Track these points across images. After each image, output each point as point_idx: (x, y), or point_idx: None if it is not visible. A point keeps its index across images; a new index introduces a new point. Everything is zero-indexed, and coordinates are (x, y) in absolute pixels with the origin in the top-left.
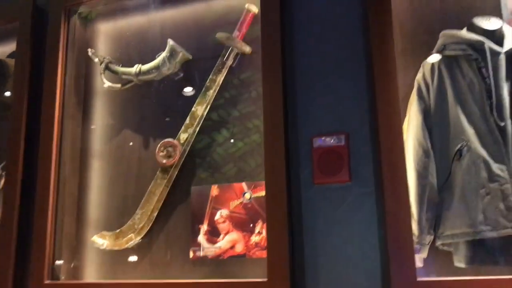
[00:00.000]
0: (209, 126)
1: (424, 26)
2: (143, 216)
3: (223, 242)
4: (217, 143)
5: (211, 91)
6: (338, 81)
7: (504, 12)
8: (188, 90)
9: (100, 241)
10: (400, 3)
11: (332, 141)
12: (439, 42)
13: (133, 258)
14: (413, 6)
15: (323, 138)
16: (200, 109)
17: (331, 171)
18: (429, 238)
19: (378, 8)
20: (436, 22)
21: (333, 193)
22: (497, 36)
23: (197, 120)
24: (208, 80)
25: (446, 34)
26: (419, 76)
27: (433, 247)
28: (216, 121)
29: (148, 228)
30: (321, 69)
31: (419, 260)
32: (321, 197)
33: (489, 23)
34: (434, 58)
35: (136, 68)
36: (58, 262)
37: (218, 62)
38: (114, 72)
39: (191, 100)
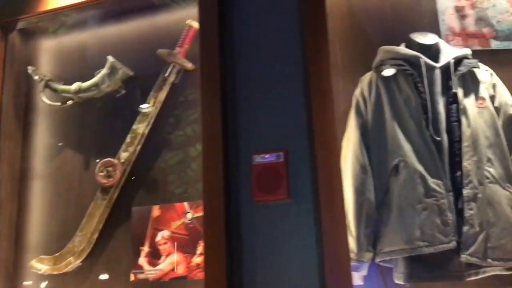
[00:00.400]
0: (152, 144)
1: (364, 43)
2: (83, 238)
3: (165, 264)
4: (159, 162)
5: (153, 109)
6: (278, 98)
7: (442, 27)
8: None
9: (39, 265)
10: (340, 21)
11: (271, 158)
12: (377, 57)
13: (73, 283)
14: (354, 23)
15: (262, 155)
16: (141, 127)
17: (270, 188)
18: (368, 255)
19: (313, 27)
20: (376, 39)
21: (272, 210)
22: (433, 51)
23: (139, 138)
24: (149, 97)
25: (383, 50)
26: (357, 91)
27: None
28: (158, 139)
29: (89, 250)
30: (261, 86)
31: (359, 277)
32: (260, 215)
33: (426, 39)
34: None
35: (76, 86)
36: None
37: (159, 78)
38: (54, 90)
39: (135, 117)
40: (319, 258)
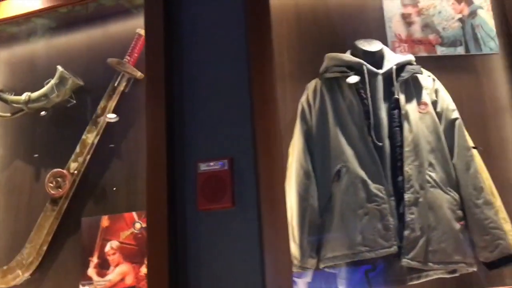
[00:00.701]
0: (101, 154)
1: (312, 50)
2: (32, 250)
3: (113, 275)
4: (109, 172)
5: (102, 118)
6: (224, 106)
7: (389, 34)
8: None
9: None
10: (288, 28)
11: (216, 166)
12: (323, 64)
13: None
14: (302, 30)
15: (207, 163)
16: (90, 137)
17: (215, 196)
18: (311, 262)
19: (258, 36)
20: (325, 46)
21: (217, 219)
22: (377, 58)
23: (88, 148)
24: (99, 107)
25: (329, 57)
26: (303, 98)
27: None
28: (108, 149)
29: (37, 263)
30: (208, 94)
31: (303, 284)
32: (205, 223)
33: (370, 46)
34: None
35: (25, 96)
36: None
37: (109, 88)
38: (4, 101)
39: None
40: (261, 266)
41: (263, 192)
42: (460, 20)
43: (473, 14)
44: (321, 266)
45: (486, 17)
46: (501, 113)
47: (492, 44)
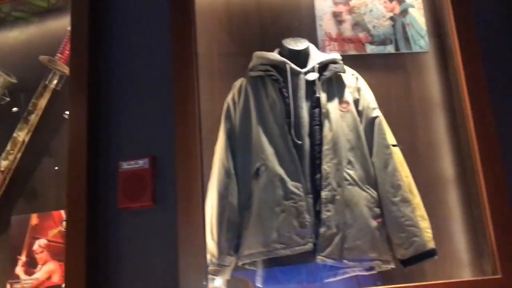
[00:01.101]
0: (32, 152)
1: (242, 48)
2: None
3: (40, 273)
4: (40, 170)
5: (33, 116)
6: (148, 104)
7: (319, 32)
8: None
9: None
10: (218, 27)
11: (137, 164)
12: (251, 63)
13: None
14: (232, 28)
15: (129, 162)
16: (21, 135)
17: (136, 195)
18: (229, 259)
19: (180, 33)
20: (255, 44)
21: (138, 217)
22: (302, 57)
23: (19, 146)
24: (30, 104)
25: (255, 55)
26: (229, 96)
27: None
28: (39, 146)
29: None
30: (132, 92)
31: (222, 283)
32: (126, 222)
33: (296, 44)
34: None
35: None
36: None
37: (40, 85)
38: None
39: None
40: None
41: (179, 191)
42: (391, 18)
43: (404, 12)
44: (240, 263)
45: (417, 16)
46: (431, 112)
47: (422, 42)
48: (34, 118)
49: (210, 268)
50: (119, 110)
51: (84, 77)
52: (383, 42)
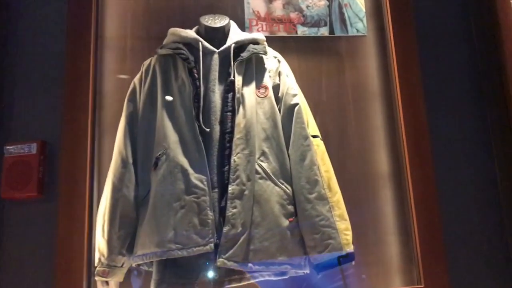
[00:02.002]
0: None
1: (161, 26)
2: None
3: None
4: None
5: None
6: (40, 86)
7: (246, 11)
8: None
9: None
10: (135, 3)
11: (24, 149)
12: (165, 40)
13: None
14: (151, 5)
15: (15, 146)
16: None
17: (21, 184)
18: (121, 259)
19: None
20: (176, 22)
21: (21, 209)
22: (220, 35)
23: None
24: None
25: (169, 32)
26: (137, 77)
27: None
28: None
29: None
30: (21, 74)
31: (114, 284)
32: (9, 214)
33: (214, 22)
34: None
35: None
36: None
37: None
38: None
39: None
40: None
41: (62, 182)
42: None
43: None
44: (133, 264)
45: None
46: (366, 101)
47: (359, 25)
48: None
49: (98, 268)
50: (10, 90)
51: None
52: (316, 24)
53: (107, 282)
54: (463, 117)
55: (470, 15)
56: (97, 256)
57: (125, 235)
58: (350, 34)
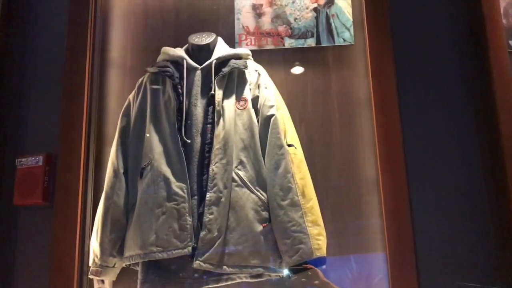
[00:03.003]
0: None
1: (157, 44)
2: None
3: None
4: None
5: None
6: (49, 101)
7: (236, 26)
8: None
9: None
10: (135, 21)
11: (32, 161)
12: (158, 58)
13: None
14: (148, 23)
15: (25, 159)
16: None
17: (29, 191)
18: (112, 260)
19: (75, 28)
20: (170, 40)
21: (29, 215)
22: (206, 52)
23: None
24: None
25: (162, 51)
26: (132, 93)
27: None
28: None
29: None
30: (34, 90)
31: (108, 283)
32: (19, 219)
33: (200, 39)
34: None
35: None
36: None
37: None
38: None
39: None
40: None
41: (58, 190)
42: (315, 9)
43: (330, 2)
44: (124, 265)
45: (344, 5)
46: (353, 107)
47: (346, 35)
48: None
49: (92, 268)
50: (20, 105)
51: None
52: (303, 35)
53: (102, 281)
54: (445, 125)
55: (456, 18)
56: (91, 257)
57: (115, 239)
58: (336, 43)
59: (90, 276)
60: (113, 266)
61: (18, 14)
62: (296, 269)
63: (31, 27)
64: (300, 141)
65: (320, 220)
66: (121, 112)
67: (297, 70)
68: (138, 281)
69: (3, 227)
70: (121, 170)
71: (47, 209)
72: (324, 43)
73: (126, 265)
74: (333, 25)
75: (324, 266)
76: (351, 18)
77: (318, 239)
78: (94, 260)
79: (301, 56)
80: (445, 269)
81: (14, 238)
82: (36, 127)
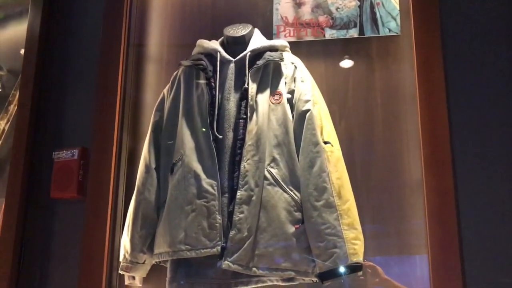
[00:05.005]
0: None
1: (193, 37)
2: None
3: None
4: None
5: (12, 106)
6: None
7: (275, 17)
8: None
9: None
10: (172, 15)
11: (67, 155)
12: (193, 51)
13: None
14: (185, 16)
15: (61, 152)
16: (2, 124)
17: (64, 185)
18: (142, 257)
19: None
20: (207, 32)
21: (65, 207)
22: (241, 44)
23: None
24: (10, 95)
25: (197, 43)
26: (166, 87)
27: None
28: None
29: None
30: (73, 84)
31: (138, 280)
32: (55, 211)
33: (235, 31)
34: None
35: None
36: None
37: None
38: None
39: None
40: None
41: (90, 184)
42: None
43: None
44: (154, 262)
45: None
46: (398, 103)
47: (392, 24)
48: (13, 108)
49: (122, 264)
50: (59, 101)
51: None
52: (345, 26)
53: (133, 277)
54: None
55: None
56: (122, 252)
57: (146, 235)
58: (381, 34)
59: (121, 272)
60: (143, 263)
61: (58, 8)
62: (328, 275)
63: (71, 22)
64: (339, 139)
65: (358, 223)
66: (155, 107)
67: (346, 63)
68: (167, 280)
69: (41, 219)
70: (153, 166)
71: (81, 203)
72: (368, 33)
73: (156, 262)
74: (378, 14)
75: (360, 273)
76: (397, 7)
77: (355, 243)
78: (124, 255)
79: (343, 47)
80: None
81: (51, 231)
82: (74, 121)
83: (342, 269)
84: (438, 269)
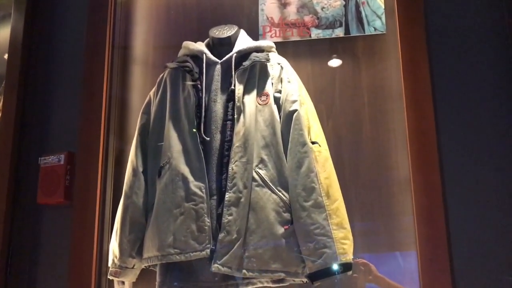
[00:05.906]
0: None
1: (179, 38)
2: None
3: None
4: None
5: None
6: (72, 100)
7: (260, 18)
8: None
9: None
10: (157, 16)
11: (54, 160)
12: (179, 53)
13: None
14: (170, 18)
15: (48, 157)
16: None
17: (51, 190)
18: (131, 261)
19: (93, 27)
20: (193, 34)
21: (52, 213)
22: (226, 45)
23: None
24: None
25: (183, 45)
26: (153, 90)
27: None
28: None
29: None
30: (58, 89)
31: (128, 285)
32: (42, 217)
33: (221, 32)
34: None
35: None
36: None
37: (3, 82)
38: None
39: None
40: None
41: (76, 189)
42: None
43: None
44: (143, 266)
45: None
46: (385, 102)
47: (378, 23)
48: None
49: (111, 269)
50: (45, 106)
51: (15, 74)
52: (331, 25)
53: (123, 282)
54: (483, 121)
55: (497, 2)
56: (111, 257)
57: (134, 239)
58: (367, 33)
59: (110, 277)
60: (133, 267)
61: (42, 12)
62: (318, 275)
63: (54, 25)
64: (326, 138)
65: (346, 223)
66: (141, 110)
67: (335, 62)
68: (156, 284)
69: (28, 225)
70: (140, 169)
71: (68, 208)
72: (354, 32)
73: (145, 266)
74: (363, 13)
75: (350, 273)
76: (383, 5)
77: (344, 243)
78: (113, 260)
79: (329, 47)
80: (482, 271)
81: (38, 236)
82: (59, 125)
83: (332, 269)
84: (427, 265)
